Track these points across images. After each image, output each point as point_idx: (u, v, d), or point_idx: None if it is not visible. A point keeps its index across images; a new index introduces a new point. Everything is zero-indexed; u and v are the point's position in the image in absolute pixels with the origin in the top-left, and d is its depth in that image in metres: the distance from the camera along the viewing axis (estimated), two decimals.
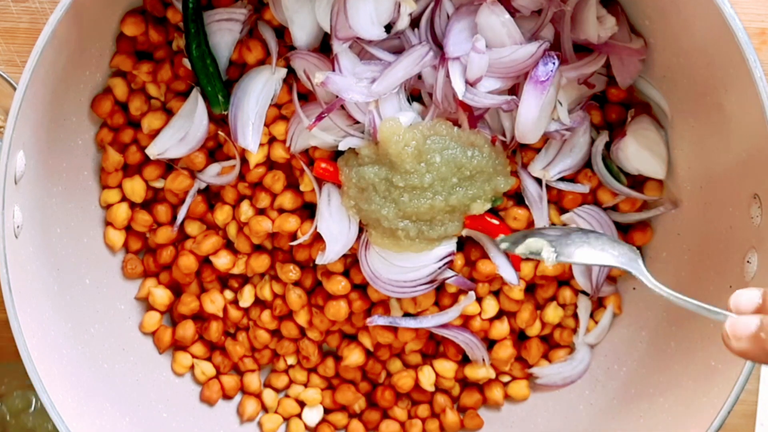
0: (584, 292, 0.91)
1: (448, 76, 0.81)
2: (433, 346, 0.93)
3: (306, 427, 0.93)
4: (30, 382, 0.71)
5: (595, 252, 0.76)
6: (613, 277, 0.91)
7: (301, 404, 0.93)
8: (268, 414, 0.93)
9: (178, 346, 0.92)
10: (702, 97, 0.79)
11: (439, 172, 0.82)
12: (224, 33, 0.85)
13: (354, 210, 0.85)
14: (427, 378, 0.91)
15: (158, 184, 0.90)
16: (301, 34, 0.84)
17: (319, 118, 0.83)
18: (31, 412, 0.90)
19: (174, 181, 0.88)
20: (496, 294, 0.90)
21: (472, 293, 0.88)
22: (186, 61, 0.85)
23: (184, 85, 0.87)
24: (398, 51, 0.83)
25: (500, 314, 0.90)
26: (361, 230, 0.86)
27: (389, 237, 0.84)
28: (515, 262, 0.88)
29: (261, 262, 0.89)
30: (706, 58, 0.76)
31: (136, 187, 0.89)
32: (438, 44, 0.83)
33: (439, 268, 0.86)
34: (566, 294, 0.90)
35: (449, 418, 0.92)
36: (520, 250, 0.80)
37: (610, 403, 0.89)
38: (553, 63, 0.80)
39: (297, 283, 0.90)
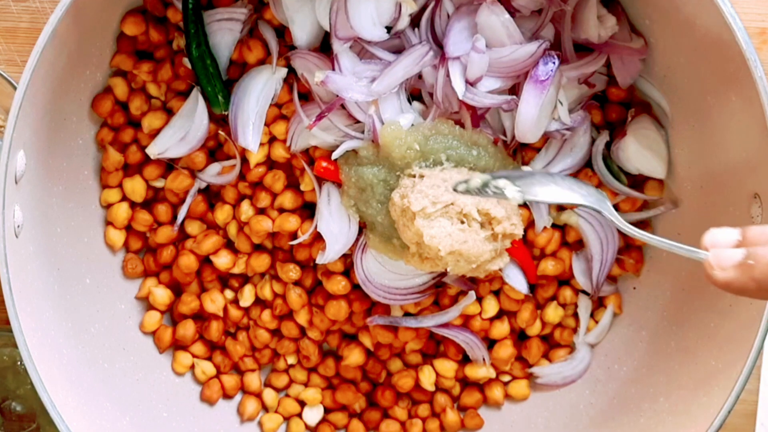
0: (584, 292, 0.91)
1: (448, 75, 0.81)
2: (434, 345, 0.93)
3: (306, 426, 0.93)
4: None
5: (562, 191, 0.73)
6: (613, 276, 0.91)
7: (302, 404, 0.93)
8: (269, 413, 0.93)
9: (178, 345, 0.92)
10: (702, 96, 0.79)
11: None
12: (224, 33, 0.85)
13: (353, 210, 0.85)
14: (427, 377, 0.91)
15: (158, 184, 0.90)
16: (302, 33, 0.84)
17: (320, 117, 0.83)
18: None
19: (174, 180, 0.88)
20: (497, 293, 0.90)
21: (472, 293, 0.88)
22: (186, 61, 0.85)
23: (185, 85, 0.87)
24: (398, 50, 0.83)
25: (500, 314, 0.90)
26: (361, 230, 0.86)
27: (386, 243, 0.84)
28: (525, 269, 0.88)
29: (261, 262, 0.89)
30: (706, 58, 0.76)
31: (136, 187, 0.89)
32: (438, 44, 0.83)
33: (433, 279, 0.87)
34: (566, 293, 0.90)
35: (449, 417, 0.92)
36: (479, 189, 0.75)
37: (611, 402, 0.89)
38: (554, 62, 0.80)
39: (297, 283, 0.90)
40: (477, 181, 0.76)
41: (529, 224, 0.88)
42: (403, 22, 0.82)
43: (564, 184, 0.74)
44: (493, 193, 0.75)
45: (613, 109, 0.88)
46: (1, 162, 0.70)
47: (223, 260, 0.89)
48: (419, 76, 0.83)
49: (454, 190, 0.77)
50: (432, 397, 0.93)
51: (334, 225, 0.86)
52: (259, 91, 0.85)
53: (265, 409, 0.93)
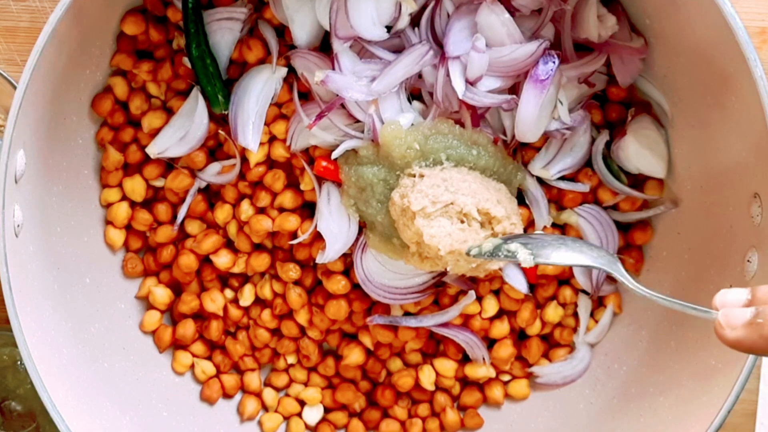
0: (584, 291, 0.91)
1: (448, 75, 0.81)
2: (434, 345, 0.93)
3: (306, 426, 0.93)
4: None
5: (573, 253, 0.74)
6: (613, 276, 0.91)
7: (302, 403, 0.93)
8: (269, 413, 0.93)
9: (178, 345, 0.92)
10: (702, 96, 0.79)
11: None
12: (224, 32, 0.85)
13: (353, 209, 0.85)
14: (427, 377, 0.91)
15: (158, 183, 0.90)
16: (302, 32, 0.84)
17: (319, 117, 0.83)
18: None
19: (174, 180, 0.88)
20: (497, 293, 0.90)
21: (472, 292, 0.88)
22: (186, 61, 0.85)
23: (185, 84, 0.87)
24: (398, 50, 0.83)
25: (500, 313, 0.90)
26: (361, 230, 0.86)
27: (386, 242, 0.84)
28: (525, 269, 0.88)
29: (261, 261, 0.89)
30: (706, 57, 0.76)
31: (136, 186, 0.89)
32: (438, 43, 0.83)
33: (433, 278, 0.87)
34: (566, 293, 0.90)
35: (449, 417, 0.92)
36: (492, 253, 0.77)
37: (611, 402, 0.89)
38: (554, 62, 0.80)
39: (297, 282, 0.90)
40: (489, 246, 0.78)
41: (529, 224, 0.88)
42: (403, 22, 0.82)
43: (574, 247, 0.75)
44: (504, 256, 0.76)
45: (613, 108, 0.87)
46: (1, 162, 0.70)
47: (223, 260, 0.89)
48: (419, 75, 0.83)
49: (467, 254, 0.78)
50: (432, 397, 0.93)
51: (334, 224, 0.86)
52: (259, 90, 0.85)
53: (265, 408, 0.93)
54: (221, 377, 0.92)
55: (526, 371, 0.92)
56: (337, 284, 0.88)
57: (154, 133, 0.87)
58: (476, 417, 0.92)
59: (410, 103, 0.85)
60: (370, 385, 0.94)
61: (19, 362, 0.90)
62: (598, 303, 0.92)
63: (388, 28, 0.82)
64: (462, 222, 0.79)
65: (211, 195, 0.91)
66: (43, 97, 0.75)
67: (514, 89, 0.83)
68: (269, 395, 0.93)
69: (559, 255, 0.74)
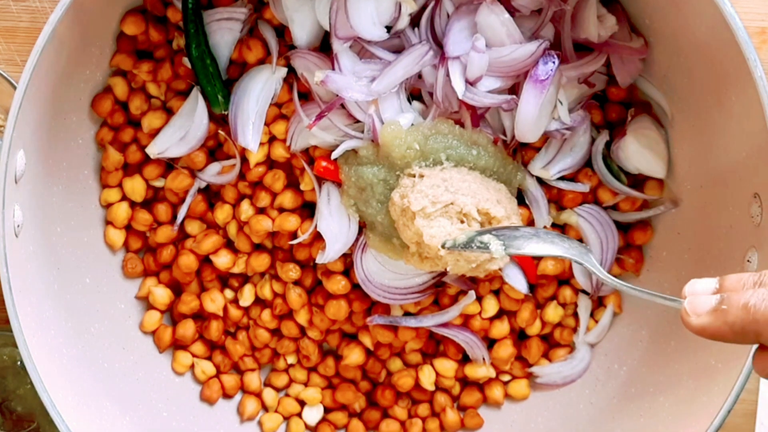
0: (584, 291, 0.91)
1: (448, 75, 0.81)
2: (434, 345, 0.93)
3: (306, 426, 0.93)
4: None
5: (544, 244, 0.75)
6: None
7: (302, 403, 0.93)
8: (269, 413, 0.93)
9: (178, 345, 0.92)
10: (702, 96, 0.79)
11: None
12: (224, 32, 0.85)
13: (353, 209, 0.85)
14: (427, 377, 0.91)
15: (158, 183, 0.90)
16: (302, 33, 0.84)
17: (319, 117, 0.83)
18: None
19: (174, 180, 0.88)
20: (497, 293, 0.90)
21: (472, 292, 0.88)
22: (186, 61, 0.85)
23: (185, 84, 0.87)
24: (398, 50, 0.83)
25: (500, 313, 0.90)
26: (361, 230, 0.86)
27: (386, 242, 0.84)
28: (526, 269, 0.88)
29: (261, 261, 0.89)
30: (706, 58, 0.76)
31: (136, 186, 0.89)
32: (438, 43, 0.83)
33: (433, 278, 0.87)
34: (566, 293, 0.90)
35: (449, 417, 0.92)
36: (465, 245, 0.78)
37: (611, 402, 0.89)
38: (553, 62, 0.80)
39: (297, 282, 0.90)
40: (463, 238, 0.78)
41: (529, 223, 0.88)
42: (403, 22, 0.82)
43: (546, 238, 0.76)
44: (477, 247, 0.77)
45: (613, 108, 0.88)
46: (1, 162, 0.70)
47: (223, 260, 0.89)
48: (419, 75, 0.83)
49: (443, 246, 0.79)
50: (432, 397, 0.93)
51: (334, 224, 0.86)
52: (259, 90, 0.85)
53: (265, 408, 0.93)
54: (221, 377, 0.92)
55: (526, 371, 0.92)
56: (337, 284, 0.88)
57: (154, 133, 0.87)
58: (476, 417, 0.92)
59: (410, 103, 0.85)
60: (370, 385, 0.94)
61: (19, 362, 0.90)
62: (598, 303, 0.92)
63: (388, 28, 0.82)
64: (462, 222, 0.80)
65: (211, 195, 0.91)
66: (43, 97, 0.75)
67: (514, 89, 0.83)
68: (269, 395, 0.93)
69: (531, 246, 0.75)
